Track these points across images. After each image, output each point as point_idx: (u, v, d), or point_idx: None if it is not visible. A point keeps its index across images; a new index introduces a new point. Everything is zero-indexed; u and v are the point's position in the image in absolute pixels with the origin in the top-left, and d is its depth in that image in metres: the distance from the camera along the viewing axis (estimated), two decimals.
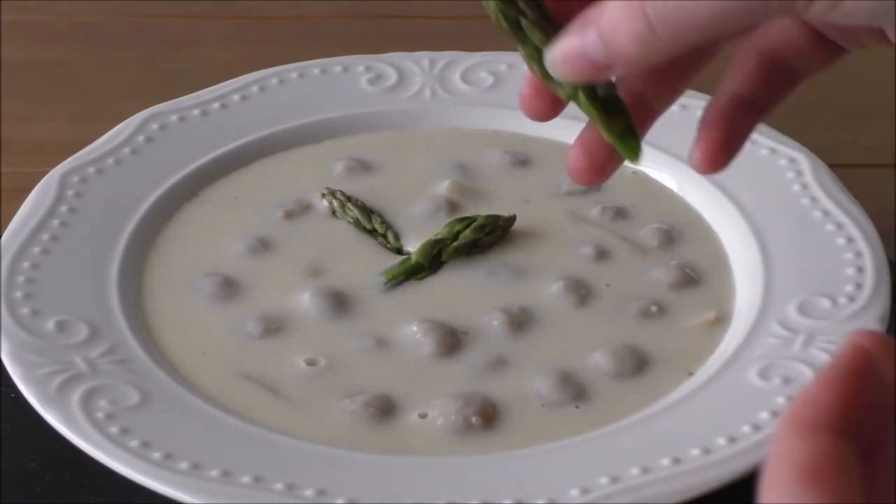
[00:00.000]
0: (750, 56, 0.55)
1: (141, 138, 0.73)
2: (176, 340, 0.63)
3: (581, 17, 0.51)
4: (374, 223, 0.69)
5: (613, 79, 0.52)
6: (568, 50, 0.51)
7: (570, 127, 0.74)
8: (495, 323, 0.63)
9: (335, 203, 0.70)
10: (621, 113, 0.54)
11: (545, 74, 0.52)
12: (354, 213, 0.69)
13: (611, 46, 0.50)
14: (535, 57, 0.52)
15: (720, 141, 0.55)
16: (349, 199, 0.70)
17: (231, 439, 0.57)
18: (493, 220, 0.68)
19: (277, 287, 0.66)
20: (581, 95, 0.53)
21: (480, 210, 0.69)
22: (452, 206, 0.70)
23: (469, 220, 0.68)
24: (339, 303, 0.65)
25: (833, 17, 0.48)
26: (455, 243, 0.67)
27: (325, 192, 0.71)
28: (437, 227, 0.68)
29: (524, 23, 0.52)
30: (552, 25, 0.52)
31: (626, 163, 0.73)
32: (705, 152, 0.55)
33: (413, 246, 0.67)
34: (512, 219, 0.68)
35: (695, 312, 0.64)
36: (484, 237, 0.67)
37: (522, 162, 0.73)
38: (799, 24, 0.53)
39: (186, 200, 0.71)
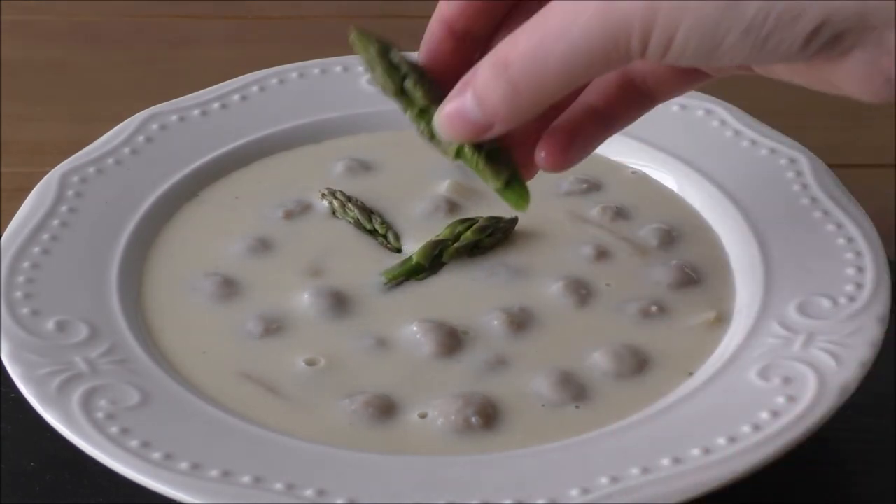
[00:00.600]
0: (612, 74, 0.59)
1: (141, 138, 0.73)
2: (176, 340, 0.63)
3: (462, 80, 0.55)
4: (374, 223, 0.69)
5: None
6: (450, 112, 0.55)
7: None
8: (495, 323, 0.63)
9: (335, 203, 0.70)
10: (506, 163, 0.57)
11: (431, 134, 0.57)
12: (355, 213, 0.69)
13: (484, 107, 0.54)
14: (422, 116, 0.57)
15: (564, 145, 0.59)
16: (349, 199, 0.70)
17: (231, 439, 0.57)
18: (495, 221, 0.68)
19: (277, 287, 0.66)
20: (465, 150, 0.57)
21: (480, 210, 0.69)
22: (452, 206, 0.70)
23: (470, 222, 0.68)
24: (339, 303, 0.65)
25: (668, 61, 0.51)
26: (456, 244, 0.67)
27: (326, 192, 0.71)
28: (437, 228, 0.68)
29: (407, 85, 0.57)
30: (433, 87, 0.57)
31: (627, 163, 0.74)
32: (549, 153, 0.59)
33: (413, 246, 0.67)
34: (514, 220, 0.68)
35: (695, 312, 0.64)
36: (485, 238, 0.67)
37: None
38: None
39: (186, 200, 0.71)
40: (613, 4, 0.50)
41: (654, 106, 0.61)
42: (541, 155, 0.59)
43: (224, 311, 0.64)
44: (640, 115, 0.61)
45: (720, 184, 0.70)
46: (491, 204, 0.70)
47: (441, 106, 0.56)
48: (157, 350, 0.62)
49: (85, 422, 0.57)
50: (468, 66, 0.56)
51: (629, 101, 0.60)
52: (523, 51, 0.52)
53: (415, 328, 0.63)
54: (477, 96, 0.54)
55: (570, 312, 0.64)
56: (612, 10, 0.50)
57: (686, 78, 0.59)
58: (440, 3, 0.58)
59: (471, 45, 0.58)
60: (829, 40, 0.50)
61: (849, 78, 0.52)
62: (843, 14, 0.49)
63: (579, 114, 0.60)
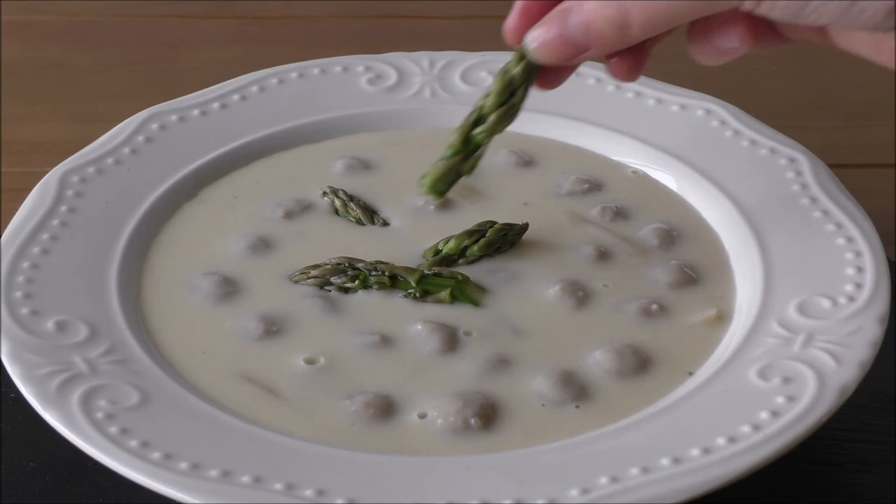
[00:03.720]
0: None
1: (141, 138, 0.73)
2: (176, 340, 0.63)
3: (557, 9, 0.59)
4: (376, 223, 0.69)
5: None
6: (549, 35, 0.59)
7: (571, 128, 0.75)
8: (496, 323, 0.63)
9: (337, 202, 0.70)
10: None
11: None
12: (357, 212, 0.69)
13: (592, 30, 0.58)
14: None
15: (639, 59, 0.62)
16: (351, 198, 0.70)
17: (231, 439, 0.57)
18: (502, 235, 0.67)
19: (277, 287, 0.66)
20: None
21: (480, 210, 0.69)
22: (452, 205, 0.70)
23: (478, 235, 0.67)
24: (339, 303, 0.64)
25: (760, 12, 0.55)
26: (461, 260, 0.66)
27: (328, 191, 0.71)
28: (437, 227, 0.68)
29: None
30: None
31: (627, 163, 0.74)
32: (624, 66, 0.62)
33: (413, 245, 0.67)
34: (523, 229, 0.68)
35: (695, 312, 0.64)
36: (493, 252, 0.67)
37: (524, 162, 0.73)
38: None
39: (186, 200, 0.71)
40: None
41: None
42: (615, 68, 0.62)
43: (224, 311, 0.64)
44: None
45: (720, 184, 0.70)
46: (491, 203, 0.70)
47: (534, 28, 0.60)
48: (157, 350, 0.62)
49: (85, 422, 0.57)
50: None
51: (687, 41, 0.62)
52: None
53: (415, 328, 0.63)
54: (584, 19, 0.58)
55: (570, 312, 0.64)
56: None
57: (764, 40, 0.61)
58: None
59: None
60: None
61: None
62: None
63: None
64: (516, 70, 0.61)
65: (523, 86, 0.61)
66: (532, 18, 0.60)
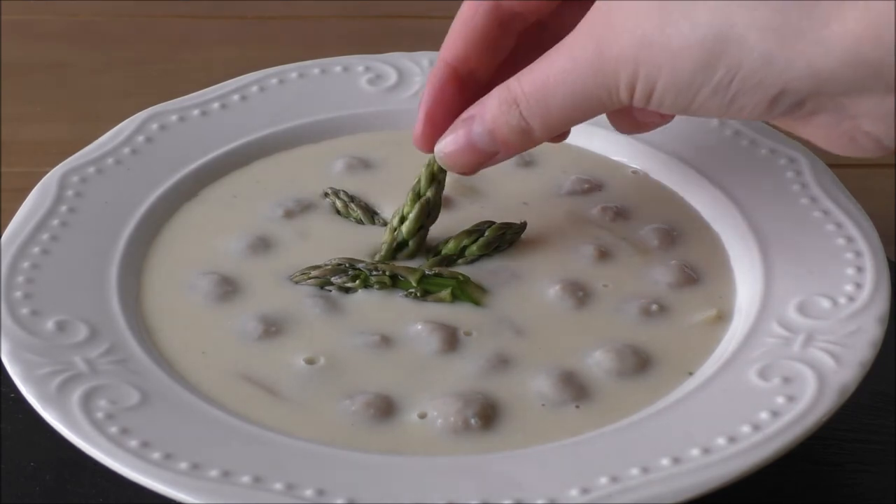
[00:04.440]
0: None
1: (141, 138, 0.73)
2: (176, 340, 0.63)
3: (461, 118, 0.62)
4: (376, 223, 0.69)
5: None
6: (457, 146, 0.62)
7: (572, 128, 0.75)
8: (496, 323, 0.63)
9: (339, 203, 0.70)
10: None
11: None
12: (358, 213, 0.69)
13: (495, 137, 0.61)
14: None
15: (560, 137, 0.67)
16: (352, 199, 0.70)
17: (231, 439, 0.57)
18: (500, 235, 0.67)
19: (277, 286, 0.66)
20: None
21: (480, 209, 0.69)
22: (451, 203, 0.70)
23: (477, 234, 0.67)
24: (339, 302, 0.65)
25: (652, 108, 0.57)
26: (461, 260, 0.67)
27: (329, 191, 0.71)
28: (437, 227, 0.68)
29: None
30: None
31: (627, 163, 0.74)
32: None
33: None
34: (521, 228, 0.68)
35: (695, 312, 0.64)
36: (492, 252, 0.67)
37: (524, 162, 0.73)
38: None
39: (186, 200, 0.71)
40: (604, 57, 0.56)
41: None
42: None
43: (224, 311, 0.64)
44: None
45: (720, 184, 0.70)
46: (491, 203, 0.70)
47: (442, 138, 0.63)
48: (157, 350, 0.62)
49: (85, 422, 0.57)
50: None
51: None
52: (529, 91, 0.59)
53: (415, 328, 0.63)
54: (487, 127, 0.61)
55: (570, 312, 0.64)
56: (604, 63, 0.56)
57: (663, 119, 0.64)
58: (443, 46, 0.64)
59: (472, 88, 0.64)
60: (790, 106, 0.54)
61: (816, 136, 0.55)
62: (798, 85, 0.53)
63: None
64: (430, 193, 0.66)
65: (435, 194, 0.66)
66: (438, 125, 0.63)
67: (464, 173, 0.64)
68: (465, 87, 0.64)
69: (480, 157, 0.62)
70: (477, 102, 0.62)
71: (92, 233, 0.67)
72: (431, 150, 0.64)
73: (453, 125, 0.63)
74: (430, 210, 0.67)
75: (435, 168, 0.66)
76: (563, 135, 0.66)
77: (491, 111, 0.61)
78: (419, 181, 0.66)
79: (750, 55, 0.53)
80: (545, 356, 0.62)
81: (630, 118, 0.63)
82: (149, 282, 0.66)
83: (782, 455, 0.56)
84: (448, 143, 0.63)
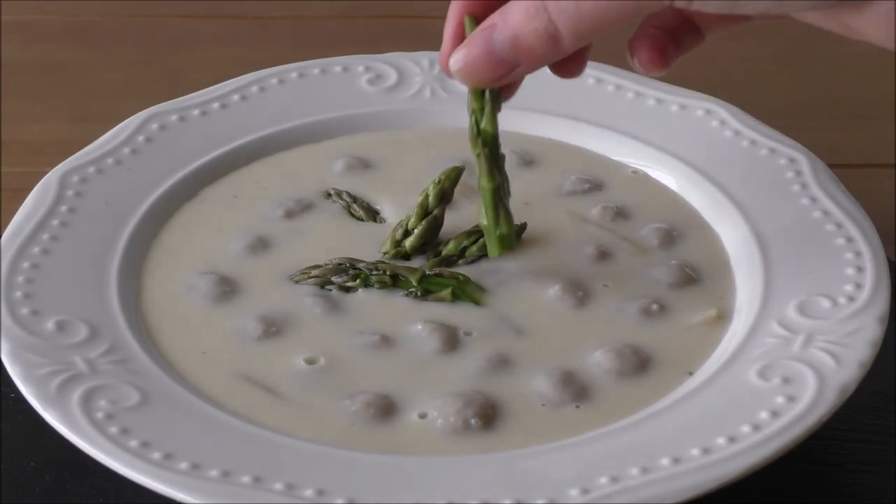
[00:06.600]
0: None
1: (141, 138, 0.73)
2: (176, 340, 0.63)
3: (482, 26, 0.56)
4: (377, 222, 0.69)
5: None
6: (473, 55, 0.57)
7: (572, 128, 0.75)
8: (496, 323, 0.63)
9: (340, 203, 0.70)
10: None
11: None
12: (360, 213, 0.69)
13: (520, 45, 0.55)
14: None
15: (662, 47, 0.60)
16: (355, 199, 0.70)
17: (231, 439, 0.57)
18: None
19: (277, 287, 0.66)
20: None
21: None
22: (452, 203, 0.70)
23: (477, 235, 0.67)
24: (339, 302, 0.65)
25: (695, 7, 0.53)
26: (461, 260, 0.67)
27: (332, 192, 0.71)
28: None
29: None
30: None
31: (627, 163, 0.74)
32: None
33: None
34: (521, 228, 0.68)
35: (695, 312, 0.64)
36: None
37: (525, 162, 0.73)
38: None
39: (186, 200, 0.71)
40: None
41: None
42: (641, 58, 0.60)
43: (224, 311, 0.64)
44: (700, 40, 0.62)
45: (720, 184, 0.70)
46: None
47: (457, 50, 0.57)
48: (157, 350, 0.62)
49: (85, 422, 0.57)
50: None
51: (686, 28, 0.61)
52: None
53: (416, 328, 0.63)
54: (511, 33, 0.55)
55: (570, 312, 0.64)
56: None
57: (722, 21, 0.60)
58: None
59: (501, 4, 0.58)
60: None
61: (870, 25, 0.52)
62: None
63: (650, 29, 0.61)
64: (437, 211, 0.66)
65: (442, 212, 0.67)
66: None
67: (480, 86, 0.59)
68: (491, 6, 0.58)
69: (499, 69, 0.57)
70: (498, 10, 0.56)
71: (92, 233, 0.67)
72: None
73: (472, 34, 0.57)
74: (436, 227, 0.67)
75: (445, 185, 0.66)
76: (580, 60, 0.60)
77: (515, 15, 0.55)
78: (426, 196, 0.66)
79: None
80: (545, 356, 0.62)
81: (580, 58, 0.59)
82: (149, 282, 0.66)
83: (782, 455, 0.56)
84: (465, 54, 0.57)
